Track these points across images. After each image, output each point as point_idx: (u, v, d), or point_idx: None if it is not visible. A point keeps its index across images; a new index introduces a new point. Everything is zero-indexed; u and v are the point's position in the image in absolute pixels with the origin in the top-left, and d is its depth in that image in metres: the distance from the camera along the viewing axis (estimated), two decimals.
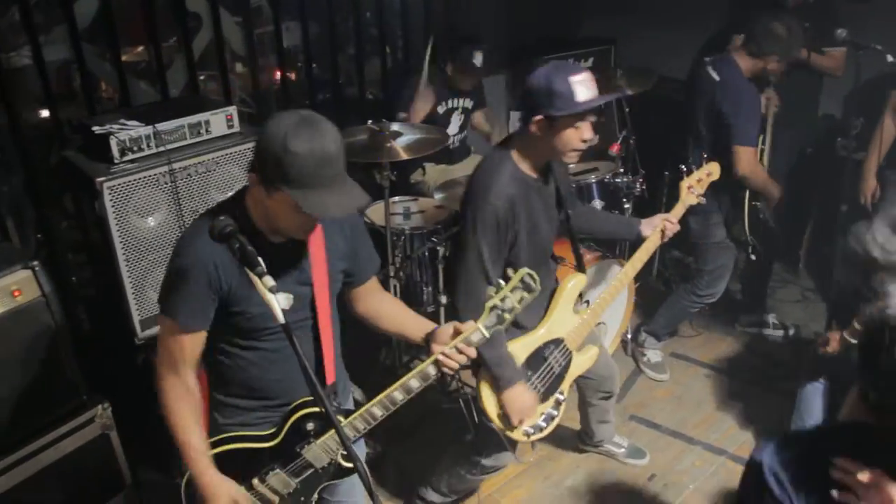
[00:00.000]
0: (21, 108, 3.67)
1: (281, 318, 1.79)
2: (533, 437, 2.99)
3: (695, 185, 3.24)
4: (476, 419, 3.61)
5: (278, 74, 4.82)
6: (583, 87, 2.54)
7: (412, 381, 2.21)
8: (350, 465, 2.29)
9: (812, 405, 3.44)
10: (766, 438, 1.68)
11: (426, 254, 3.91)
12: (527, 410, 2.84)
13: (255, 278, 1.81)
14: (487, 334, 2.17)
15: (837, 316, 3.78)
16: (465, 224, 2.71)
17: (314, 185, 1.89)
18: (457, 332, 2.20)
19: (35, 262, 2.88)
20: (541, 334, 2.93)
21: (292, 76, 4.96)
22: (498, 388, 2.80)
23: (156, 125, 3.19)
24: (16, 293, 2.84)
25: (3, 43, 3.65)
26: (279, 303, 1.78)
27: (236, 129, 3.47)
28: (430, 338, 2.28)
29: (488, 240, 2.65)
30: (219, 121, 3.41)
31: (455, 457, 3.29)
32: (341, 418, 2.23)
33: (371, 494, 1.83)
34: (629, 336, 4.47)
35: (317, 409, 2.23)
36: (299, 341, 2.01)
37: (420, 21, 5.46)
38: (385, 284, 3.83)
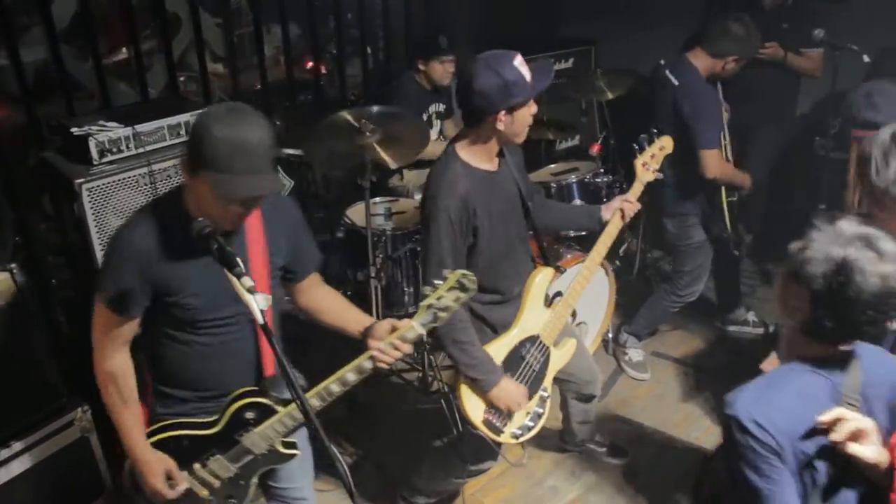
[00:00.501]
0: None
1: (260, 319, 1.81)
2: (522, 438, 2.98)
3: (649, 161, 3.19)
4: (458, 420, 3.62)
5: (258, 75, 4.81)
6: (525, 67, 2.56)
7: (349, 374, 2.25)
8: (288, 451, 2.39)
9: None
10: (732, 393, 1.86)
11: (407, 254, 3.91)
12: (519, 399, 2.84)
13: (234, 279, 1.83)
14: (422, 331, 2.22)
15: None
16: (423, 230, 2.72)
17: (230, 171, 1.95)
18: (393, 328, 2.26)
19: (13, 265, 2.87)
20: (514, 334, 2.89)
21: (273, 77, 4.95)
22: (483, 390, 2.79)
23: (135, 126, 3.17)
24: None
25: None
26: (258, 303, 1.80)
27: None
28: (367, 333, 2.33)
29: (444, 242, 2.64)
30: None
31: (438, 460, 3.29)
32: (280, 407, 2.30)
33: (352, 495, 1.84)
34: (610, 336, 4.48)
35: (258, 399, 2.30)
36: (237, 334, 2.19)
37: (401, 23, 5.48)
38: (366, 285, 3.83)
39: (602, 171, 4.45)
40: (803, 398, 1.82)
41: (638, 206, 3.12)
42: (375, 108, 3.77)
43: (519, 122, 2.63)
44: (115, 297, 2.12)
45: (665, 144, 3.23)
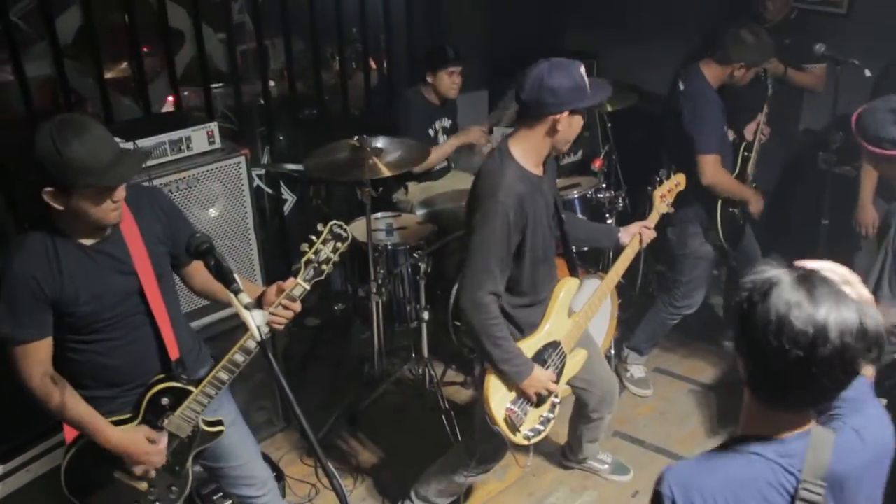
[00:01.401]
0: (3, 125, 3.66)
1: (257, 336, 1.81)
2: (533, 440, 3.02)
3: (666, 194, 3.36)
4: (459, 434, 3.62)
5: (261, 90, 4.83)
6: (586, 77, 2.65)
7: (248, 342, 2.28)
8: (213, 429, 2.50)
9: None
10: (668, 466, 1.63)
11: (409, 270, 3.91)
12: (549, 383, 2.91)
13: (231, 295, 1.84)
14: (308, 286, 2.28)
15: None
16: (473, 226, 2.70)
17: (104, 166, 2.06)
18: (280, 290, 2.31)
19: None
20: (540, 337, 2.96)
21: (276, 92, 4.96)
22: (516, 381, 2.83)
23: (136, 141, 3.18)
24: None
25: None
26: (255, 320, 1.80)
27: (217, 145, 3.47)
28: (259, 302, 2.37)
29: (498, 240, 2.65)
30: (200, 137, 3.40)
31: (446, 461, 3.30)
32: (192, 388, 2.38)
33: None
34: (612, 352, 4.47)
35: (169, 385, 2.39)
36: (136, 327, 2.31)
37: (403, 38, 5.50)
38: (367, 301, 3.83)
39: (604, 186, 4.44)
40: (736, 488, 1.54)
41: (654, 234, 3.27)
42: (380, 141, 3.79)
43: (574, 127, 2.69)
44: (19, 327, 2.17)
45: (680, 181, 3.42)
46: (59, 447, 3.03)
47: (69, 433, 2.39)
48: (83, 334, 2.28)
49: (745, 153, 4.06)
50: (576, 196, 4.29)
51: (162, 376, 2.40)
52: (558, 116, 2.62)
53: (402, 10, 5.43)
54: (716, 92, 3.80)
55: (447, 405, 3.80)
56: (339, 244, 2.27)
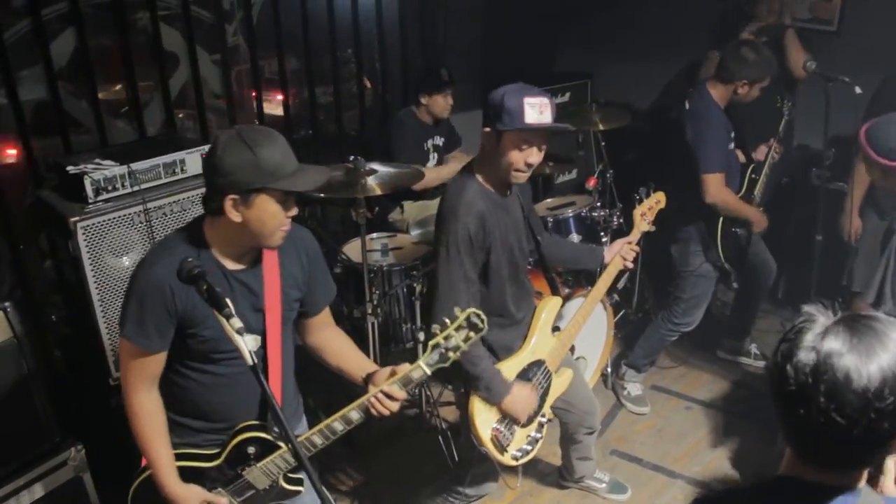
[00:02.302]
0: None
1: (249, 360, 1.80)
2: (521, 461, 3.01)
3: (646, 212, 3.39)
4: (454, 453, 3.60)
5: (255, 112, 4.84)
6: (533, 109, 2.59)
7: (352, 413, 2.23)
8: (292, 487, 2.38)
9: None
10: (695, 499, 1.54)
11: (404, 290, 3.91)
12: (531, 403, 2.91)
13: (222, 319, 1.83)
14: (429, 371, 2.19)
15: None
16: (438, 246, 2.74)
17: (290, 172, 2.06)
18: (392, 374, 2.24)
19: (7, 304, 2.86)
20: (524, 356, 2.96)
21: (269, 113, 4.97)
22: (496, 401, 2.82)
23: (130, 165, 3.19)
24: None
25: None
26: (246, 344, 1.79)
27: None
28: (368, 379, 2.33)
29: (462, 258, 2.68)
30: (194, 160, 3.41)
31: (439, 488, 3.28)
32: (282, 444, 2.28)
33: None
34: (609, 369, 4.46)
35: (259, 434, 2.29)
36: (246, 368, 2.10)
37: (397, 58, 5.52)
38: (362, 321, 3.82)
39: (599, 205, 4.45)
40: None
41: (637, 249, 3.28)
42: (374, 165, 3.79)
43: (508, 157, 2.65)
44: (139, 333, 2.13)
45: (659, 199, 3.46)
46: (59, 468, 3.01)
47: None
48: (199, 361, 2.23)
49: (753, 175, 4.09)
50: (570, 215, 4.30)
51: (255, 424, 2.31)
52: (485, 133, 2.67)
53: (396, 30, 5.46)
54: (722, 111, 3.82)
55: (444, 425, 3.79)
56: (472, 334, 2.16)
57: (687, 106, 3.89)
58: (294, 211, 2.14)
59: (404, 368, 2.22)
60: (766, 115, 4.22)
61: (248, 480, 2.32)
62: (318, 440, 2.26)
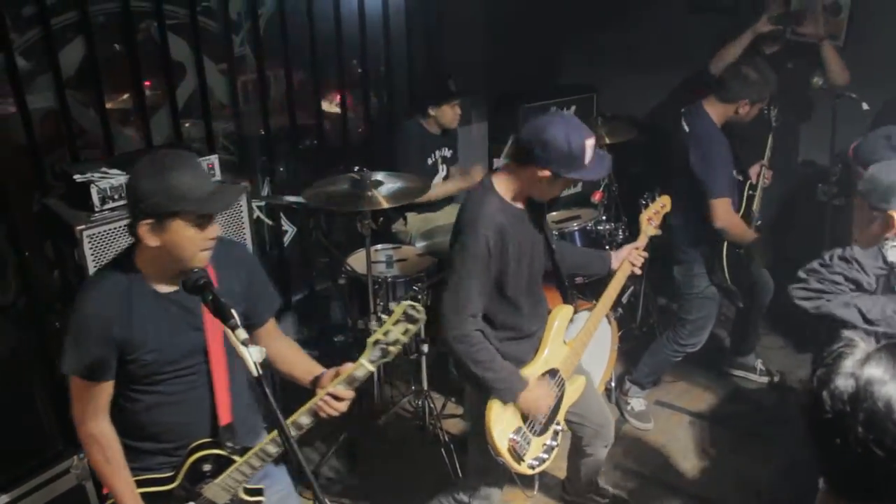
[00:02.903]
0: (3, 156, 3.67)
1: (254, 372, 1.80)
2: (537, 469, 3.01)
3: (653, 216, 3.39)
4: (457, 466, 3.59)
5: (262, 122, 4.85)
6: (592, 150, 2.65)
7: (301, 418, 2.23)
8: (253, 498, 2.39)
9: None
10: None
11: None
12: (548, 398, 2.91)
13: (229, 331, 1.83)
14: (372, 368, 2.21)
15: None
16: (454, 256, 2.74)
17: (204, 195, 2.07)
18: (336, 375, 2.25)
19: (12, 311, 2.87)
20: (538, 366, 2.96)
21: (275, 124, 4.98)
22: (512, 399, 2.82)
23: None
24: None
25: None
26: (252, 356, 1.79)
27: (218, 177, 3.48)
28: (315, 382, 2.34)
29: (478, 270, 2.68)
30: None
31: (443, 499, 3.27)
32: (237, 457, 2.30)
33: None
34: (613, 384, 4.44)
35: (213, 451, 2.31)
36: (192, 387, 2.24)
37: (403, 70, 5.54)
38: (367, 333, 3.81)
39: (604, 218, 4.45)
40: None
41: (645, 254, 3.27)
42: (379, 175, 3.80)
43: (553, 188, 2.75)
44: (81, 365, 2.14)
45: (665, 203, 3.45)
46: (61, 476, 3.01)
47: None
48: (140, 384, 2.23)
49: (750, 192, 4.07)
50: (576, 228, 4.30)
51: (207, 441, 2.33)
52: (540, 173, 2.65)
53: (403, 42, 5.48)
54: (721, 131, 3.80)
55: (447, 438, 3.78)
56: (410, 326, 2.17)
57: (686, 128, 3.84)
58: (213, 231, 2.14)
59: (347, 369, 2.22)
60: (754, 125, 4.21)
61: (207, 498, 2.32)
62: (272, 449, 2.26)
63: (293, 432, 2.20)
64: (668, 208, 3.45)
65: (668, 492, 3.82)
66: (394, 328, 2.17)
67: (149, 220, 2.05)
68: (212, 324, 2.24)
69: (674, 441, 4.19)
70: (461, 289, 2.70)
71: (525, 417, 2.90)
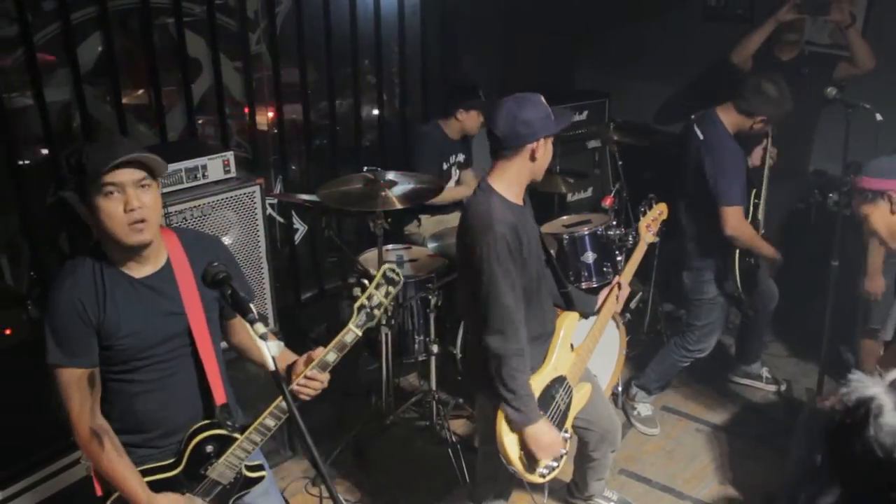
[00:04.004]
0: (20, 148, 3.70)
1: (271, 366, 1.81)
2: (548, 478, 2.99)
3: (651, 224, 3.42)
4: (466, 470, 3.60)
5: (275, 120, 4.87)
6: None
7: (282, 404, 2.25)
8: (255, 474, 2.44)
9: None
10: None
11: (419, 302, 3.92)
12: (554, 445, 2.86)
13: (247, 325, 1.84)
14: (360, 332, 2.26)
15: (830, 371, 3.80)
16: (478, 264, 2.70)
17: (102, 165, 2.04)
18: (309, 361, 2.29)
19: (28, 301, 2.88)
20: (546, 373, 2.96)
21: (289, 121, 5.01)
22: (519, 426, 2.79)
23: None
24: (7, 331, 2.83)
25: (7, 84, 3.68)
26: (269, 350, 1.81)
27: (233, 173, 3.50)
28: (290, 369, 2.36)
29: (506, 266, 2.67)
30: (216, 165, 3.44)
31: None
32: (237, 434, 2.34)
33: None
34: (620, 389, 4.45)
35: (214, 432, 2.34)
36: (180, 368, 2.26)
37: (417, 70, 5.55)
38: (377, 332, 3.83)
39: (614, 223, 4.45)
40: None
41: (629, 289, 3.31)
42: (390, 174, 3.81)
43: (548, 153, 2.80)
44: (66, 354, 2.15)
45: (662, 210, 3.51)
46: (64, 470, 3.03)
47: (99, 486, 2.33)
48: (119, 371, 2.24)
49: (755, 200, 4.07)
50: (586, 233, 4.30)
51: (207, 423, 2.36)
52: (535, 144, 2.72)
53: (418, 44, 5.50)
54: (735, 140, 3.81)
55: (454, 439, 3.79)
56: (391, 288, 2.27)
57: (700, 135, 3.85)
58: (131, 202, 2.09)
59: (319, 353, 2.27)
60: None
61: (213, 479, 2.35)
62: (270, 422, 2.29)
63: (273, 422, 2.27)
64: (664, 215, 3.49)
65: (672, 497, 3.82)
66: (376, 292, 2.25)
67: (84, 203, 2.10)
68: (192, 308, 2.27)
69: (680, 447, 4.20)
70: (502, 296, 2.67)
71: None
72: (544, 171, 2.84)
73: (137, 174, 2.10)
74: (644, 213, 3.47)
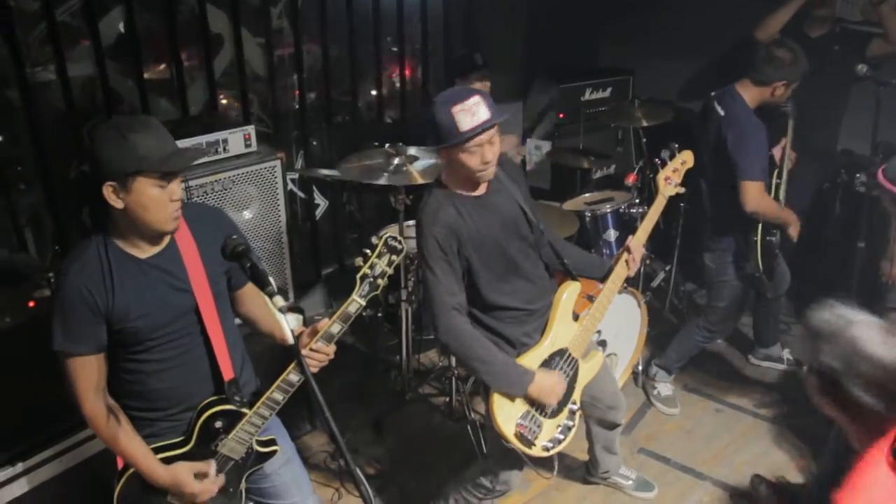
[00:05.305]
0: (44, 123, 3.72)
1: (290, 339, 1.82)
2: (553, 451, 2.97)
3: (671, 175, 3.22)
4: (483, 444, 3.60)
5: (297, 95, 4.86)
6: (465, 115, 2.57)
7: (291, 375, 2.28)
8: (267, 449, 2.46)
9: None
10: None
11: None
12: (557, 388, 2.87)
13: (266, 298, 1.85)
14: (363, 302, 2.25)
15: None
16: (420, 259, 2.78)
17: (165, 155, 2.08)
18: (314, 333, 2.29)
19: (51, 274, 2.90)
20: (545, 347, 2.93)
21: (311, 97, 5.00)
22: (519, 391, 2.80)
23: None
24: (31, 304, 2.85)
25: (30, 58, 3.70)
26: (289, 323, 1.81)
27: (254, 148, 3.50)
28: (297, 340, 2.35)
29: (441, 268, 2.70)
30: (237, 139, 3.44)
31: (463, 480, 3.27)
32: (246, 409, 2.35)
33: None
34: (640, 368, 4.43)
35: (222, 407, 2.34)
36: (188, 348, 2.26)
37: (439, 48, 5.51)
38: (397, 308, 3.83)
39: (637, 201, 4.42)
40: None
41: (642, 251, 3.15)
42: (411, 150, 3.79)
43: (465, 164, 2.65)
44: (71, 340, 2.16)
45: (686, 159, 3.25)
46: (88, 441, 3.06)
47: (120, 458, 2.36)
48: (134, 352, 2.25)
49: (777, 180, 4.02)
50: (608, 210, 4.28)
51: (214, 399, 2.36)
52: (441, 151, 2.67)
53: (440, 20, 5.45)
54: (757, 116, 3.76)
55: (473, 415, 3.79)
56: (394, 257, 2.26)
57: (721, 112, 3.80)
58: (177, 192, 2.14)
59: (324, 325, 2.27)
60: (774, 114, 4.14)
61: (224, 454, 2.37)
62: (278, 396, 2.31)
63: (280, 397, 2.29)
64: (689, 164, 3.26)
65: (692, 477, 3.81)
66: (378, 261, 2.25)
67: (112, 182, 2.07)
68: (199, 284, 2.27)
69: (699, 426, 4.18)
70: (435, 287, 2.72)
71: (534, 402, 2.88)
72: (474, 175, 2.69)
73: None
74: (663, 165, 3.25)
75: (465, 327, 2.74)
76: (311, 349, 2.25)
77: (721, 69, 5.33)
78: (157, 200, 2.10)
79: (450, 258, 2.70)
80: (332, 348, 2.29)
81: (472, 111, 2.57)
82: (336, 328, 2.27)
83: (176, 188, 2.13)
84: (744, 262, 3.94)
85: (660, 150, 3.34)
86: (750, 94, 3.76)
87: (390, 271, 2.27)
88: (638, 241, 3.12)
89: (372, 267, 2.24)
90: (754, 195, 3.69)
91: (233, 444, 2.36)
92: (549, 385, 2.84)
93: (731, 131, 3.72)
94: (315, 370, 2.27)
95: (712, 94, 3.89)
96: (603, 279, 3.11)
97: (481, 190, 2.80)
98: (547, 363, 2.92)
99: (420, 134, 4.40)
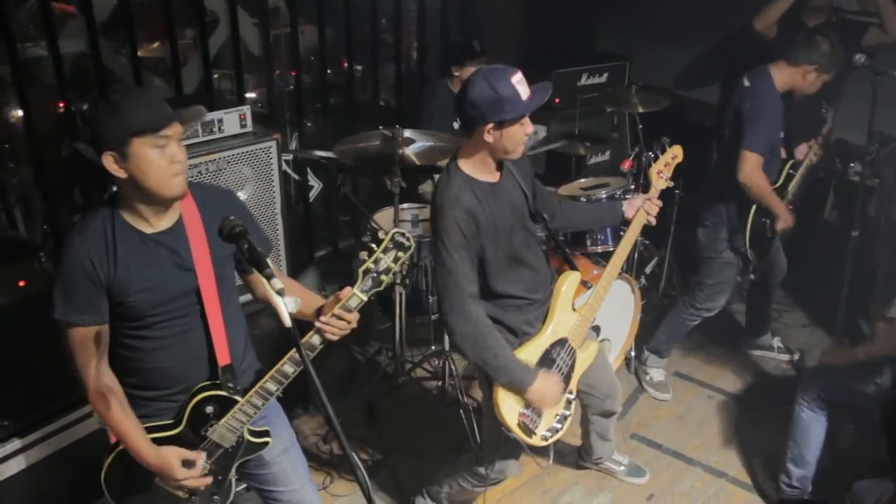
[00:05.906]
0: (35, 100, 3.67)
1: (287, 322, 1.79)
2: (551, 440, 2.98)
3: (663, 169, 3.23)
4: (477, 431, 3.60)
5: (293, 76, 4.83)
6: (522, 86, 2.59)
7: (314, 338, 2.23)
8: (259, 440, 2.41)
9: (810, 436, 3.41)
10: None
11: (432, 262, 3.89)
12: (556, 394, 2.87)
13: (264, 280, 1.83)
14: (365, 297, 2.19)
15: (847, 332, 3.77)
16: (436, 244, 2.73)
17: (158, 117, 2.06)
18: (336, 301, 2.23)
19: (41, 253, 2.88)
20: (546, 337, 2.93)
21: (306, 79, 4.96)
22: (520, 391, 2.80)
23: None
24: (21, 283, 2.83)
25: (21, 34, 3.65)
26: (286, 306, 1.79)
27: (249, 128, 3.47)
28: (319, 313, 2.30)
29: (460, 252, 2.67)
30: (232, 119, 3.41)
31: (457, 467, 3.28)
32: (239, 397, 2.31)
33: (370, 502, 1.84)
34: (632, 353, 4.44)
35: (214, 393, 2.31)
36: (187, 329, 2.22)
37: (435, 30, 5.48)
38: (390, 291, 3.81)
39: (632, 187, 4.41)
40: None
41: (660, 203, 3.16)
42: (407, 132, 3.76)
43: (508, 138, 2.64)
44: (71, 310, 2.14)
45: (676, 153, 3.27)
46: (80, 421, 3.06)
47: (113, 434, 2.34)
48: (132, 328, 2.22)
49: (791, 171, 4.02)
50: (603, 196, 4.27)
51: (208, 383, 2.33)
52: (485, 127, 2.61)
53: (437, 2, 5.41)
54: (780, 97, 3.76)
55: (466, 399, 3.79)
56: (400, 253, 2.18)
57: (747, 83, 3.81)
58: (178, 155, 2.11)
59: (347, 293, 2.20)
60: (811, 118, 4.15)
61: (214, 441, 2.34)
62: (272, 387, 2.28)
63: (291, 368, 2.24)
64: (679, 158, 3.28)
65: (683, 462, 3.83)
66: (384, 256, 2.17)
67: (111, 152, 2.05)
68: (202, 264, 2.25)
69: (691, 412, 4.20)
70: (455, 273, 2.68)
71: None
72: (517, 151, 2.70)
73: (179, 128, 2.13)
74: (655, 159, 3.30)
75: (482, 317, 2.73)
76: (334, 314, 2.19)
77: (719, 57, 5.33)
78: (156, 163, 2.07)
79: (469, 244, 2.67)
80: (355, 315, 2.21)
81: (524, 83, 2.61)
82: (343, 311, 2.20)
83: (177, 150, 2.11)
84: (733, 237, 3.94)
85: (653, 140, 3.35)
86: (781, 75, 3.78)
87: (396, 268, 2.19)
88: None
89: (376, 262, 2.17)
90: (750, 166, 3.70)
91: (223, 431, 2.33)
92: (549, 388, 2.83)
93: (750, 101, 3.75)
94: (334, 339, 2.22)
95: (749, 70, 3.90)
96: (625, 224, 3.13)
97: (496, 177, 2.78)
98: (548, 352, 2.93)
99: (425, 114, 4.42)
